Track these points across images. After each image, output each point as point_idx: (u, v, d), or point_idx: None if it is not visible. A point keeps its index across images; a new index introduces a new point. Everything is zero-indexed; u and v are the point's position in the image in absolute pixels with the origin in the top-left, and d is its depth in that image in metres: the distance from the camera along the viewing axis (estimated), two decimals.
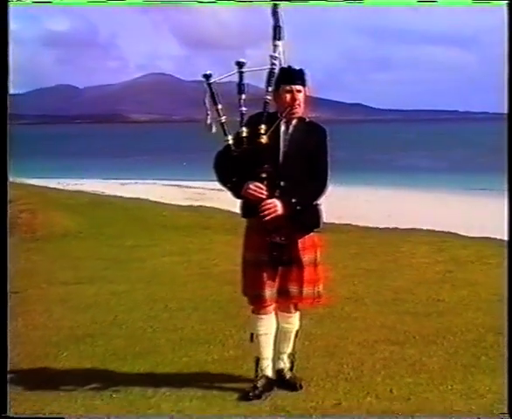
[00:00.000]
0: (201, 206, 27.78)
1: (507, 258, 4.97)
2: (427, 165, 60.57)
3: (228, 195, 7.03)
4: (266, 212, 6.56)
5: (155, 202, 29.80)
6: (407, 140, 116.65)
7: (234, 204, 7.20)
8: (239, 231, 7.23)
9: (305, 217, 6.79)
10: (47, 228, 21.66)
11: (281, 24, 6.60)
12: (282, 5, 6.33)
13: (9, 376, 7.98)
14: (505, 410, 6.36)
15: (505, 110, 5.20)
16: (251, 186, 6.58)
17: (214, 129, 6.76)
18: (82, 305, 11.59)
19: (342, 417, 4.67)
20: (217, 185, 7.13)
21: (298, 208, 6.66)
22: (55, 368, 8.28)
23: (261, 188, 6.57)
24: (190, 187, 39.96)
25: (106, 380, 7.58)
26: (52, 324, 10.42)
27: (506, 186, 5.09)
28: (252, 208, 6.67)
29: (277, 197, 6.60)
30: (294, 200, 6.63)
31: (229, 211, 17.67)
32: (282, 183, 6.66)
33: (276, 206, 6.57)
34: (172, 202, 29.90)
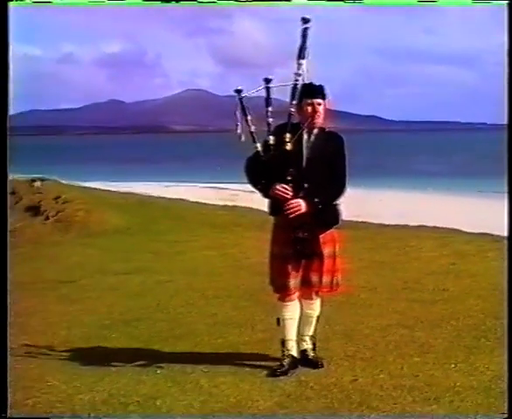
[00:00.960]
0: (234, 206, 27.78)
1: (507, 256, 4.85)
2: (433, 170, 60.37)
3: (258, 195, 7.04)
4: (291, 210, 6.61)
5: (195, 202, 29.82)
6: (416, 147, 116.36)
7: (263, 204, 7.18)
8: (267, 228, 7.22)
9: (325, 215, 6.81)
10: (100, 225, 21.76)
11: (307, 45, 6.61)
12: (282, 5, 6.17)
13: (68, 353, 8.03)
14: (502, 386, 6.32)
15: (505, 110, 5.05)
16: (278, 187, 6.62)
17: (244, 138, 6.79)
18: (130, 293, 11.63)
19: (342, 417, 4.61)
20: (249, 187, 7.13)
21: (319, 207, 6.70)
22: (107, 347, 8.31)
23: (287, 189, 6.61)
24: (225, 189, 39.98)
25: (151, 358, 7.59)
26: (105, 309, 10.46)
27: (506, 188, 4.96)
28: (278, 207, 6.71)
29: (301, 197, 6.64)
30: (316, 200, 6.67)
31: (258, 210, 17.64)
32: (305, 185, 6.68)
33: (300, 205, 6.61)
34: (209, 203, 29.92)
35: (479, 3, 5.71)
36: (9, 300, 10.75)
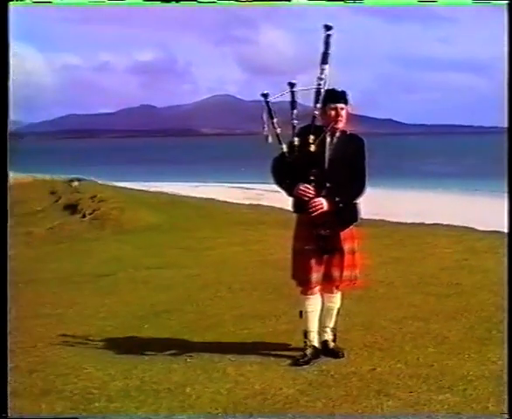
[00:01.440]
0: (259, 205, 27.79)
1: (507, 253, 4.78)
2: (447, 171, 60.24)
3: (281, 195, 7.07)
4: (313, 209, 6.64)
5: (222, 201, 29.85)
6: (430, 149, 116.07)
7: (286, 203, 7.19)
8: (290, 225, 7.22)
9: (346, 213, 6.82)
10: (133, 222, 21.82)
11: (330, 51, 6.62)
12: (282, 5, 5.82)
13: (104, 343, 8.05)
14: None
15: (505, 112, 4.96)
16: (301, 187, 6.65)
17: (270, 140, 6.79)
18: (161, 286, 11.65)
19: (341, 417, 4.59)
20: (273, 187, 7.14)
21: (340, 205, 6.72)
22: (140, 337, 8.32)
23: (310, 189, 6.65)
24: (250, 189, 40.03)
25: (180, 347, 7.60)
26: (137, 301, 10.49)
27: (506, 189, 4.86)
28: (302, 205, 6.74)
29: (323, 196, 6.66)
30: (337, 199, 6.69)
31: (282, 209, 17.62)
32: (327, 185, 6.69)
33: (322, 203, 6.64)
34: (235, 202, 29.95)
35: (479, 3, 5.52)
36: (47, 293, 10.82)
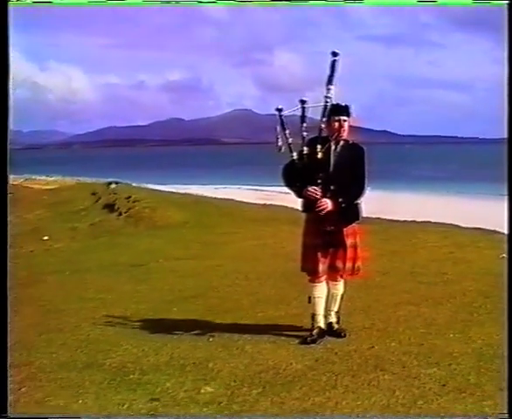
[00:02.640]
0: (272, 204, 27.75)
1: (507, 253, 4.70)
2: (435, 175, 60.13)
3: (292, 196, 7.08)
4: (320, 208, 6.69)
5: (240, 201, 29.85)
6: (421, 157, 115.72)
7: (296, 203, 7.20)
8: (299, 223, 7.24)
9: (348, 212, 6.84)
10: (163, 219, 21.85)
11: (335, 74, 6.63)
12: (282, 5, 5.67)
13: (138, 323, 8.06)
14: (492, 353, 6.27)
15: (505, 115, 4.83)
16: (309, 189, 6.70)
17: (283, 149, 6.81)
18: (188, 275, 11.65)
19: (342, 417, 4.59)
20: (284, 189, 7.15)
21: (343, 205, 6.75)
22: (169, 319, 8.32)
23: (317, 191, 6.70)
24: (264, 190, 40.00)
25: (204, 328, 7.59)
26: (167, 287, 10.49)
27: (506, 191, 4.69)
28: (310, 205, 6.79)
29: (328, 197, 6.71)
30: (340, 199, 6.73)
31: (292, 208, 17.58)
32: (332, 187, 6.72)
33: (327, 204, 6.68)
34: (251, 202, 29.94)
35: (479, 3, 5.24)
36: (88, 280, 10.81)
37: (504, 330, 4.48)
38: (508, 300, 4.44)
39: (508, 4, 4.67)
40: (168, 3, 5.09)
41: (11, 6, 4.61)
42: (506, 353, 4.43)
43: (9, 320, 8.55)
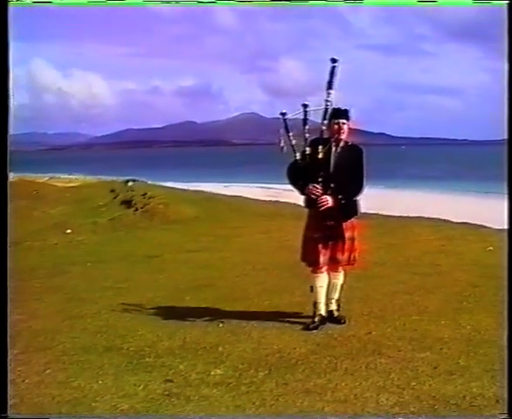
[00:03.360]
0: (277, 201, 27.71)
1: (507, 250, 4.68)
2: (428, 174, 60.02)
3: (296, 193, 7.09)
4: (321, 204, 6.74)
5: (247, 198, 29.82)
6: (415, 157, 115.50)
7: (299, 200, 7.21)
8: (303, 218, 7.24)
9: (347, 208, 6.88)
10: (176, 214, 21.83)
11: (334, 79, 6.65)
12: (281, 5, 5.24)
13: (153, 310, 8.07)
14: (479, 338, 6.28)
15: (505, 111, 4.75)
16: (311, 187, 6.75)
17: (286, 149, 6.84)
18: (199, 266, 11.65)
19: (342, 417, 4.61)
20: (289, 187, 7.17)
21: (343, 202, 6.79)
22: (182, 306, 8.33)
23: (318, 188, 6.75)
24: (270, 188, 39.92)
25: (214, 315, 7.61)
26: (180, 277, 10.49)
27: (506, 190, 4.60)
28: (312, 201, 6.82)
29: (329, 194, 6.75)
30: (340, 196, 6.76)
31: (296, 204, 17.60)
32: (332, 185, 6.76)
33: (328, 200, 6.73)
34: (258, 198, 29.93)
35: (479, 3, 4.97)
36: (108, 271, 10.83)
37: (504, 328, 4.43)
38: (509, 296, 4.42)
39: (508, 4, 4.53)
40: (168, 3, 4.93)
41: (11, 6, 4.40)
42: (506, 353, 4.40)
43: (34, 308, 8.61)
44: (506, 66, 4.42)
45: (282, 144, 6.86)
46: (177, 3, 4.91)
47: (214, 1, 5.00)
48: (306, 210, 7.10)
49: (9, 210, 4.33)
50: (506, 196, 4.44)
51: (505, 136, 4.42)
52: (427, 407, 4.69)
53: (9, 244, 4.38)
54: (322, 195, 6.74)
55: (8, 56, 4.34)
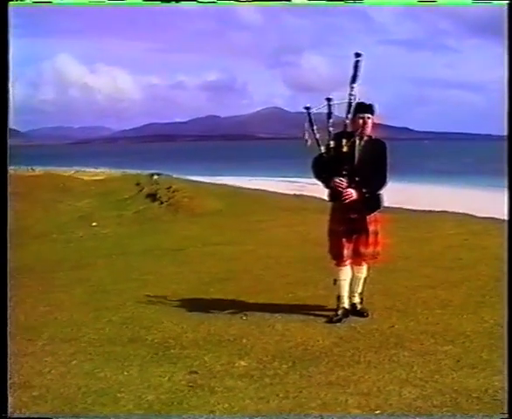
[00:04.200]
0: (301, 195, 27.69)
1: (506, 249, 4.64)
2: (451, 168, 59.68)
3: (319, 187, 7.11)
4: (345, 197, 6.74)
5: (272, 192, 29.82)
6: (437, 151, 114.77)
7: (323, 193, 7.22)
8: (326, 212, 7.24)
9: (371, 202, 6.87)
10: (201, 208, 21.93)
11: (358, 73, 6.64)
12: (281, 5, 5.11)
13: (178, 302, 8.11)
14: (501, 332, 6.23)
15: (505, 112, 4.71)
16: (336, 180, 6.75)
17: (310, 143, 6.84)
18: (224, 259, 11.69)
19: (342, 417, 4.59)
20: (312, 180, 7.19)
21: (367, 195, 6.78)
22: (206, 299, 8.36)
23: (343, 182, 6.75)
24: (294, 182, 39.89)
25: (238, 307, 7.62)
26: (205, 270, 10.54)
27: (506, 184, 4.56)
28: (336, 195, 6.83)
29: (353, 188, 6.74)
30: (364, 190, 6.76)
31: (320, 198, 17.59)
32: (357, 178, 6.76)
33: (352, 194, 6.73)
34: (282, 192, 29.93)
35: (479, 3, 4.90)
36: (133, 263, 10.86)
37: (504, 326, 4.40)
38: (509, 294, 4.39)
39: (508, 4, 4.48)
40: (168, 2, 4.80)
41: (11, 6, 4.35)
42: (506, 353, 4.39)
43: (60, 300, 8.68)
44: (506, 66, 4.39)
45: (307, 138, 6.88)
46: (177, 2, 4.81)
47: (214, 1, 4.96)
48: (329, 204, 7.10)
49: (8, 206, 4.29)
50: (506, 190, 4.40)
51: (505, 133, 4.38)
52: (450, 400, 4.67)
53: (8, 241, 4.31)
54: (347, 188, 6.73)
55: (8, 53, 4.31)
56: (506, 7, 4.49)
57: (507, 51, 4.38)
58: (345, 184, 6.74)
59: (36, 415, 4.69)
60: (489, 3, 4.81)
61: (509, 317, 4.37)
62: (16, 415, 4.58)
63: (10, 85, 4.37)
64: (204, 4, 4.96)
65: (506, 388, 4.50)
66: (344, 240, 6.94)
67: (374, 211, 6.95)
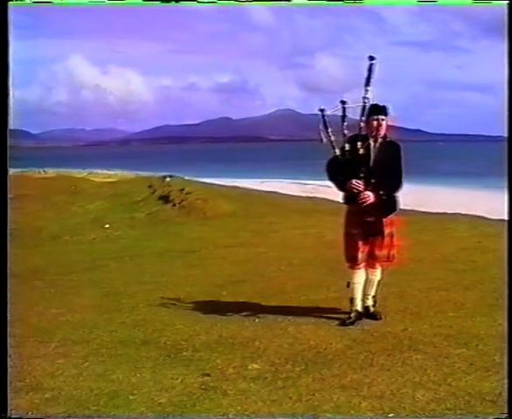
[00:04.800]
0: (314, 197, 27.67)
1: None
2: (464, 170, 59.51)
3: (332, 189, 7.14)
4: (363, 200, 6.73)
5: (284, 194, 29.82)
6: (450, 153, 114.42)
7: (336, 196, 7.23)
8: (339, 214, 7.27)
9: (388, 204, 6.87)
10: (214, 210, 21.94)
11: (372, 76, 6.65)
12: (282, 5, 5.10)
13: (191, 305, 8.12)
14: None
15: (505, 110, 4.68)
16: (353, 182, 6.75)
17: (324, 141, 6.85)
18: (236, 261, 11.70)
19: (342, 417, 4.58)
20: (325, 182, 7.20)
21: (383, 198, 6.78)
22: (219, 301, 8.38)
23: (359, 184, 6.74)
24: (307, 184, 39.85)
25: (251, 309, 7.64)
26: (217, 272, 10.55)
27: (506, 184, 4.52)
28: (352, 197, 6.82)
29: (370, 190, 6.74)
30: (381, 192, 6.75)
31: (333, 200, 17.56)
32: (373, 181, 6.75)
33: (369, 196, 6.73)
34: (295, 194, 29.91)
35: (479, 3, 4.90)
36: (146, 266, 10.87)
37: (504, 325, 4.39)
38: (509, 293, 4.37)
39: (508, 4, 4.49)
40: (167, 2, 4.80)
41: (11, 6, 4.36)
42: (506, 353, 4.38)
43: (72, 302, 8.72)
44: (506, 66, 4.38)
45: (322, 140, 6.88)
46: (177, 3, 4.80)
47: (214, 1, 4.92)
48: (342, 207, 7.11)
49: (8, 205, 4.29)
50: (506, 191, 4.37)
51: (505, 134, 4.37)
52: (463, 403, 4.66)
53: (8, 239, 4.32)
54: (363, 190, 6.73)
55: (8, 54, 4.30)
56: (506, 7, 4.49)
57: (507, 51, 4.37)
58: (362, 186, 6.73)
59: (36, 416, 4.71)
60: (489, 3, 4.80)
61: (509, 317, 4.36)
62: (16, 415, 4.58)
63: (10, 86, 4.33)
64: (204, 4, 4.93)
65: (506, 388, 4.52)
66: (360, 243, 6.94)
67: (390, 213, 6.95)
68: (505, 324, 4.38)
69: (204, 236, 16.14)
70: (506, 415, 4.35)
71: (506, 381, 4.37)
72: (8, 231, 4.33)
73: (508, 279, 4.26)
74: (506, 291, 4.34)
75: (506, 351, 4.37)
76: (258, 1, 5.12)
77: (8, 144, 4.32)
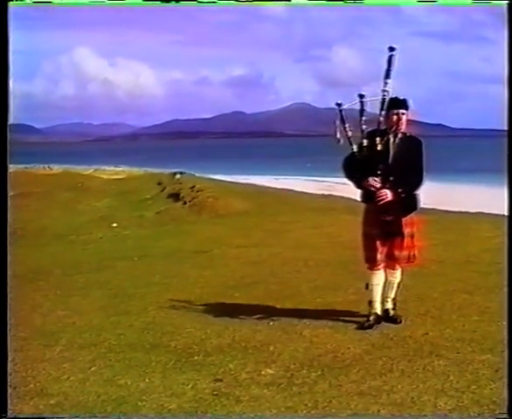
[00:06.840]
0: (330, 195, 27.65)
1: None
2: (488, 166, 59.22)
3: (349, 187, 7.11)
4: (380, 198, 6.68)
5: (299, 191, 29.81)
6: (474, 149, 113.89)
7: (353, 193, 7.20)
8: (356, 212, 7.25)
9: (407, 202, 6.81)
10: (225, 208, 21.97)
11: (392, 68, 6.60)
12: (282, 5, 5.34)
13: (202, 307, 8.12)
14: None
15: (505, 108, 4.65)
16: (370, 180, 6.69)
17: (342, 141, 6.81)
18: (249, 262, 11.68)
19: (343, 418, 4.58)
20: (342, 180, 7.17)
21: (403, 196, 6.72)
22: (231, 303, 8.37)
23: (377, 182, 6.69)
24: (322, 181, 39.85)
25: (265, 312, 7.61)
26: (229, 274, 10.54)
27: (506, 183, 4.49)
28: (369, 195, 6.77)
29: (388, 188, 6.68)
30: (400, 190, 6.70)
31: (349, 198, 17.55)
32: (392, 178, 6.70)
33: (387, 194, 6.66)
34: (310, 192, 29.89)
35: (479, 3, 4.93)
36: (155, 266, 10.88)
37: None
38: (509, 294, 4.33)
39: (508, 4, 4.54)
40: (167, 2, 4.88)
41: (11, 6, 4.48)
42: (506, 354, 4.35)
43: (79, 304, 8.74)
44: (506, 66, 4.39)
45: (338, 136, 6.86)
46: (177, 2, 4.87)
47: (214, 1, 5.02)
48: (360, 205, 7.08)
49: (9, 202, 4.31)
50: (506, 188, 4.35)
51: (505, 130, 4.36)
52: (488, 412, 4.64)
53: (9, 239, 4.33)
54: (381, 188, 6.68)
55: (8, 52, 4.40)
56: (506, 7, 4.54)
57: (507, 51, 4.39)
58: (379, 184, 6.69)
59: (35, 416, 4.74)
60: (489, 3, 4.87)
61: (509, 316, 4.33)
62: (16, 415, 4.61)
63: (10, 82, 4.43)
64: (203, 4, 4.98)
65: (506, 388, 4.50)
66: (378, 243, 6.90)
67: (410, 212, 6.90)
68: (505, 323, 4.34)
69: (215, 236, 16.14)
70: (506, 415, 4.38)
71: (506, 381, 4.33)
72: (8, 230, 4.34)
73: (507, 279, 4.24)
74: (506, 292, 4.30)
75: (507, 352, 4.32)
76: (258, 1, 5.16)
77: (8, 139, 4.35)
